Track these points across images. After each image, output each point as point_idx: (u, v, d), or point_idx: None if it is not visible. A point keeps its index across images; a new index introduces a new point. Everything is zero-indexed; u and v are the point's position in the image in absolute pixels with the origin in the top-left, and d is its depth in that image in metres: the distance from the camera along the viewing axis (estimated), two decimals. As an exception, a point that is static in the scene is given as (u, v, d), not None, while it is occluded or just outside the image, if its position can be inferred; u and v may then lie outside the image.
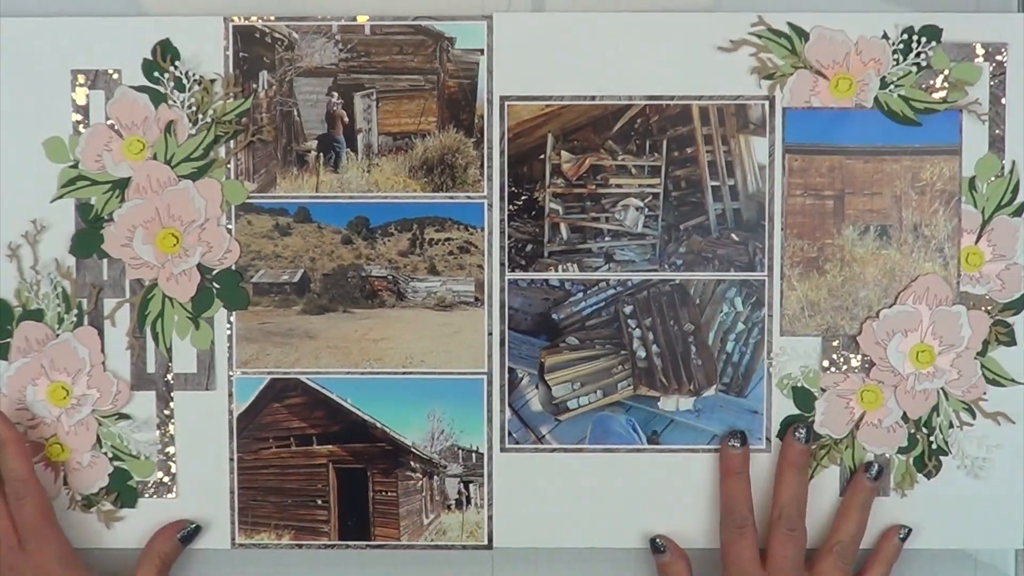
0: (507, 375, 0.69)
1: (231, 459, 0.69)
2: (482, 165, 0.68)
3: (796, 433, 0.67)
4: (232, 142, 0.68)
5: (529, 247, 0.69)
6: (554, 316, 0.69)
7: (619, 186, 0.69)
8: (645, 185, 0.69)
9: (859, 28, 0.68)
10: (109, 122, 0.68)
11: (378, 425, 0.69)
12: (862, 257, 0.68)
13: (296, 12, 0.68)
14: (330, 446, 0.69)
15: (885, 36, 0.68)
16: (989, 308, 0.69)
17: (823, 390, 0.69)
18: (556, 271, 0.69)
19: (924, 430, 0.69)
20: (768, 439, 0.69)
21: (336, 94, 0.68)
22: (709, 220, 0.69)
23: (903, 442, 0.69)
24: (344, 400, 0.69)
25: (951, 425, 0.69)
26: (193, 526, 0.68)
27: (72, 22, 0.67)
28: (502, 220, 0.68)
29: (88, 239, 0.68)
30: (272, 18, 0.68)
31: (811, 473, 0.69)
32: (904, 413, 0.69)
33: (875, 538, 0.69)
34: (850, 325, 0.69)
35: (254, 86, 0.68)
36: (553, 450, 0.69)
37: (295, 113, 0.68)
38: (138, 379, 0.69)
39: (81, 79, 0.67)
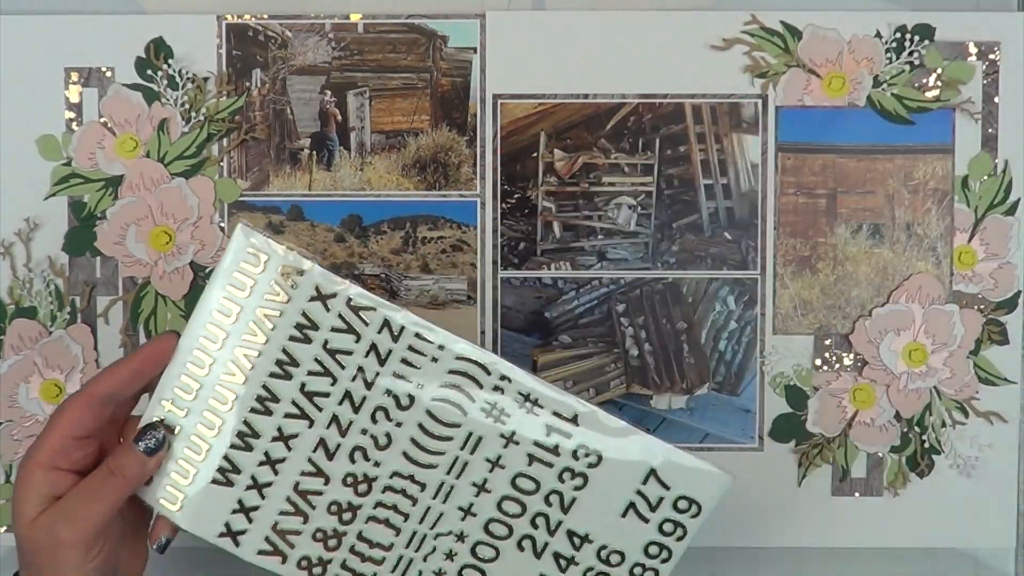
0: (500, 373, 0.69)
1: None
2: (475, 163, 0.68)
3: None
4: (225, 140, 0.68)
5: (522, 245, 0.69)
6: (547, 314, 0.69)
7: (612, 184, 0.69)
8: (638, 183, 0.69)
9: (852, 27, 0.68)
10: (102, 120, 0.68)
11: (371, 423, 0.69)
12: (855, 256, 0.68)
13: (289, 10, 0.68)
14: (323, 444, 0.69)
15: (878, 35, 0.68)
16: (982, 307, 0.69)
17: (815, 389, 0.69)
18: (549, 269, 0.69)
19: (917, 429, 0.69)
20: (760, 438, 0.69)
21: (329, 92, 0.68)
22: (702, 218, 0.69)
23: (895, 441, 0.69)
24: (337, 398, 0.69)
25: (944, 424, 0.69)
26: (159, 435, 0.51)
27: (65, 20, 0.67)
28: (495, 218, 0.68)
29: (81, 237, 0.68)
30: (265, 16, 0.68)
31: (803, 472, 0.69)
32: (897, 412, 0.69)
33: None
34: (843, 324, 0.69)
35: (247, 84, 0.68)
36: (546, 448, 0.69)
37: (288, 111, 0.68)
38: (131, 377, 0.69)
39: (74, 77, 0.68)
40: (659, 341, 0.69)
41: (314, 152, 0.68)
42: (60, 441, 0.50)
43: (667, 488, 0.53)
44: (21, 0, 0.68)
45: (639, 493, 0.54)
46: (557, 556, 0.55)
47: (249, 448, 0.52)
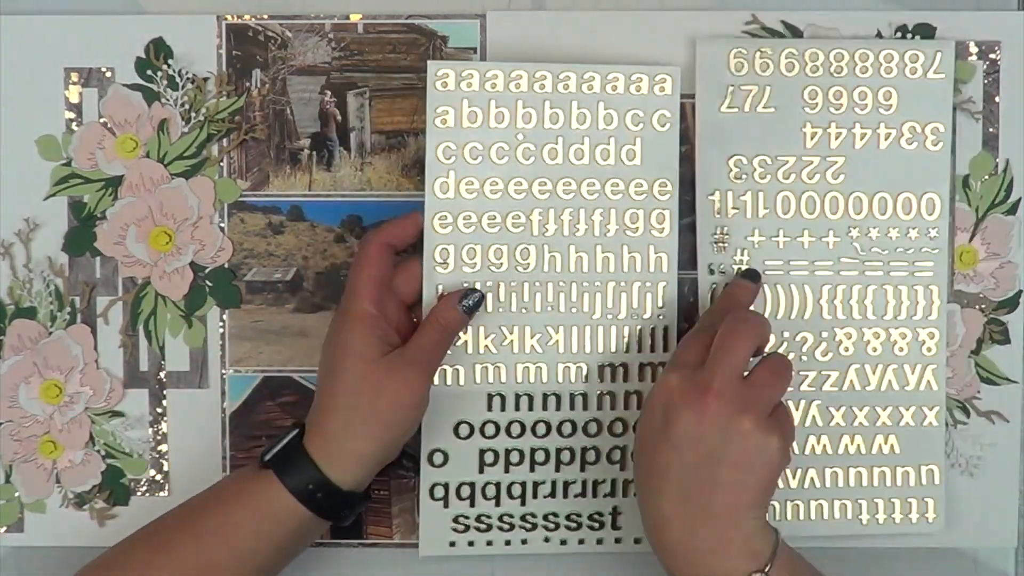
0: (500, 373, 0.69)
1: (224, 457, 0.69)
2: (475, 163, 0.68)
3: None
4: (225, 140, 0.68)
5: (522, 245, 0.69)
6: (547, 314, 0.69)
7: (612, 184, 0.68)
8: (638, 183, 0.68)
9: (852, 27, 0.68)
10: (102, 120, 0.68)
11: (371, 423, 0.69)
12: (855, 255, 0.68)
13: (289, 11, 0.68)
14: (323, 444, 0.69)
15: (878, 35, 0.68)
16: (983, 307, 0.69)
17: (816, 389, 0.69)
18: (549, 269, 0.69)
19: (917, 429, 0.69)
20: (761, 438, 0.69)
21: (329, 92, 0.68)
22: (702, 218, 0.68)
23: (896, 441, 0.69)
24: (337, 398, 0.69)
25: (945, 424, 0.69)
26: (477, 296, 0.63)
27: (65, 20, 0.67)
28: (495, 218, 0.68)
29: (81, 237, 0.68)
30: (265, 16, 0.68)
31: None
32: (897, 412, 0.69)
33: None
34: (843, 324, 0.68)
35: (247, 84, 0.68)
36: (546, 449, 0.69)
37: (288, 111, 0.68)
38: (131, 377, 0.69)
39: (74, 77, 0.68)
40: (659, 341, 0.69)
41: (314, 152, 0.68)
42: (377, 284, 0.60)
43: None
44: (21, 0, 0.68)
45: None
46: None
47: None
